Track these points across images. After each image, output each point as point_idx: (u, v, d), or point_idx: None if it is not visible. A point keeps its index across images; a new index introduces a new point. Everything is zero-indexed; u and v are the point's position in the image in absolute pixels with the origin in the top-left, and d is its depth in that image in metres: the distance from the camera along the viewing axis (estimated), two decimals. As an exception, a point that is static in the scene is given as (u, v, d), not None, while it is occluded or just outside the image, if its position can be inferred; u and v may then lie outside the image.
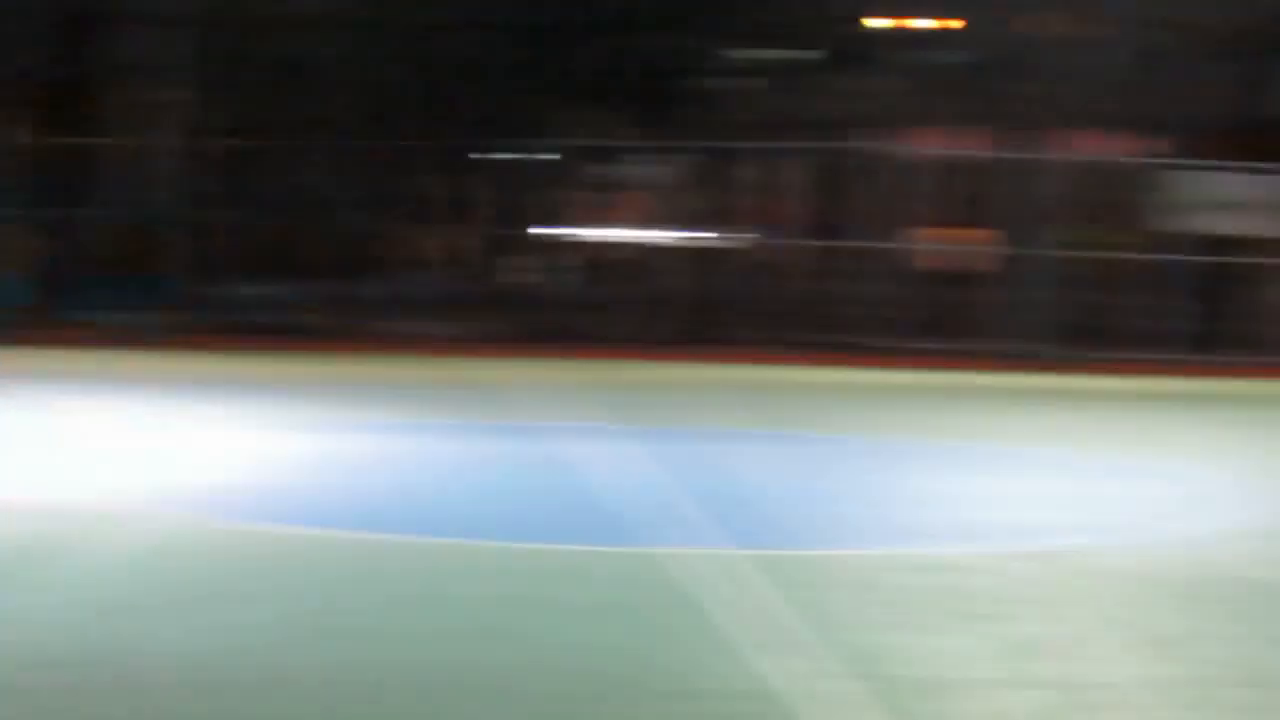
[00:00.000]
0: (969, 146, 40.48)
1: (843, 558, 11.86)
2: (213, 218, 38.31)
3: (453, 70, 39.01)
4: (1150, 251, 38.54)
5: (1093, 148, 40.29)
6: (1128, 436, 21.38)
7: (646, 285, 40.90)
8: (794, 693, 7.70)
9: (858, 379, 30.10)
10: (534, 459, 17.16)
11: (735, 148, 40.01)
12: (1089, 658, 8.75)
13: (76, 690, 7.41)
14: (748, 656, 8.40)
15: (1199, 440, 21.09)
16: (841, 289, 38.68)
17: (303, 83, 39.08)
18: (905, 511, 14.14)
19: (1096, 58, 38.67)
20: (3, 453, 16.20)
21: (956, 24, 41.63)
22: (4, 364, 26.20)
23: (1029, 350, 35.18)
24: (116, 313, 35.11)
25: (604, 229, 41.99)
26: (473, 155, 42.14)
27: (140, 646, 8.28)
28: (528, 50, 39.20)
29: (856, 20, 41.68)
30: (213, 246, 38.68)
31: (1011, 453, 19.11)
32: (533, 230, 41.84)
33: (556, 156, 42.74)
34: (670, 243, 41.57)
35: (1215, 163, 38.10)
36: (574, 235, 41.86)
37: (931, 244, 41.40)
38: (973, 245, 41.05)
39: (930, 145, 40.91)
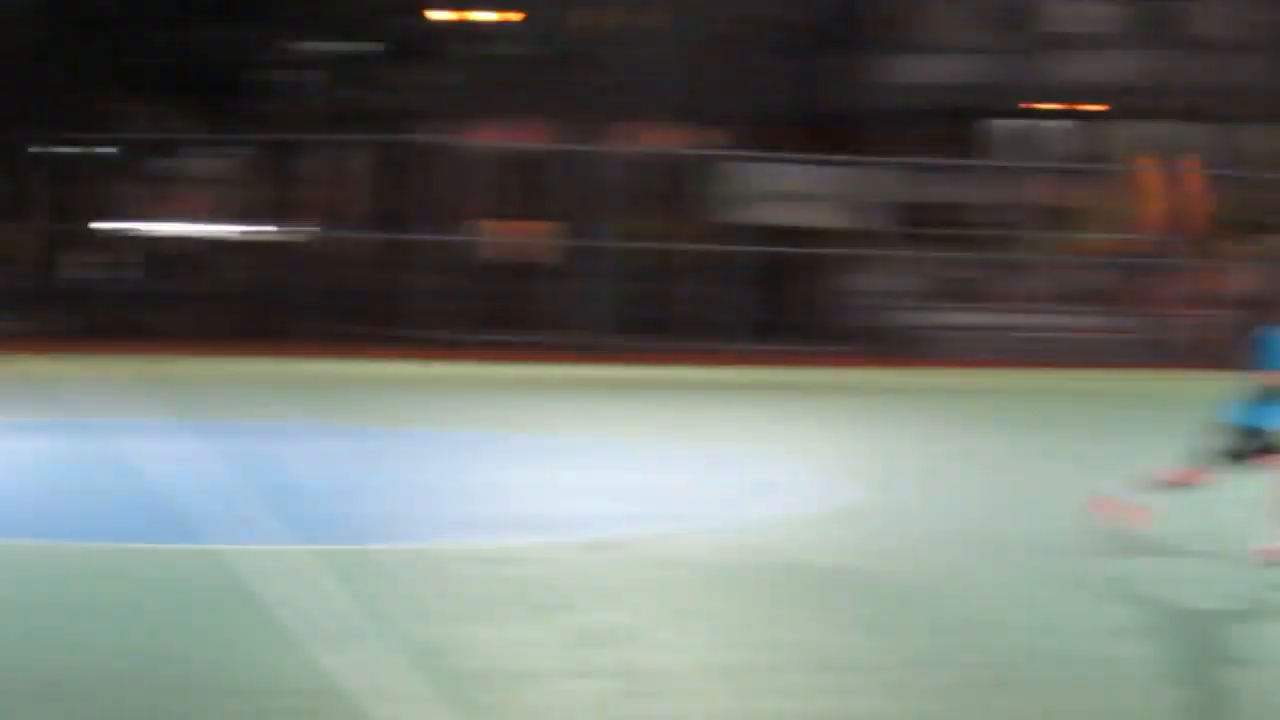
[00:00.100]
0: (530, 139, 40.78)
1: (407, 551, 11.76)
2: None
3: (6, 63, 37.40)
4: (711, 242, 39.39)
5: (653, 139, 41.02)
6: (691, 426, 21.74)
7: (207, 279, 40.06)
8: (357, 687, 7.59)
9: (422, 373, 29.97)
10: (92, 456, 16.54)
11: (297, 140, 39.47)
12: (653, 646, 8.85)
13: None
14: (311, 652, 8.26)
15: (761, 429, 21.57)
16: (406, 282, 38.53)
17: None
18: (470, 504, 14.09)
19: (656, 50, 39.40)
20: None
21: (516, 17, 41.90)
22: None
23: (592, 341, 35.59)
24: None
25: (164, 223, 40.96)
26: (30, 150, 40.60)
27: None
28: (85, 42, 37.84)
29: (418, 13, 41.56)
30: None
31: (576, 444, 19.26)
32: (92, 225, 40.55)
33: (116, 150, 41.52)
34: (231, 236, 40.81)
35: (775, 154, 39.22)
36: (134, 230, 40.72)
37: (495, 236, 41.60)
38: (535, 237, 41.41)
39: (492, 138, 41.08)
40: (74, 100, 38.16)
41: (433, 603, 9.75)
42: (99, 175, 41.57)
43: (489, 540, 12.19)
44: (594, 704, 7.59)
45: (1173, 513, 12.81)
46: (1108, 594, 10.87)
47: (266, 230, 40.22)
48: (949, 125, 41.16)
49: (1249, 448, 11.85)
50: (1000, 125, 42.78)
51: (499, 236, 41.62)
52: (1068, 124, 43.04)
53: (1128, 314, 37.99)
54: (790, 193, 38.93)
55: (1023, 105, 42.44)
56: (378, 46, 41.90)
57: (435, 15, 41.86)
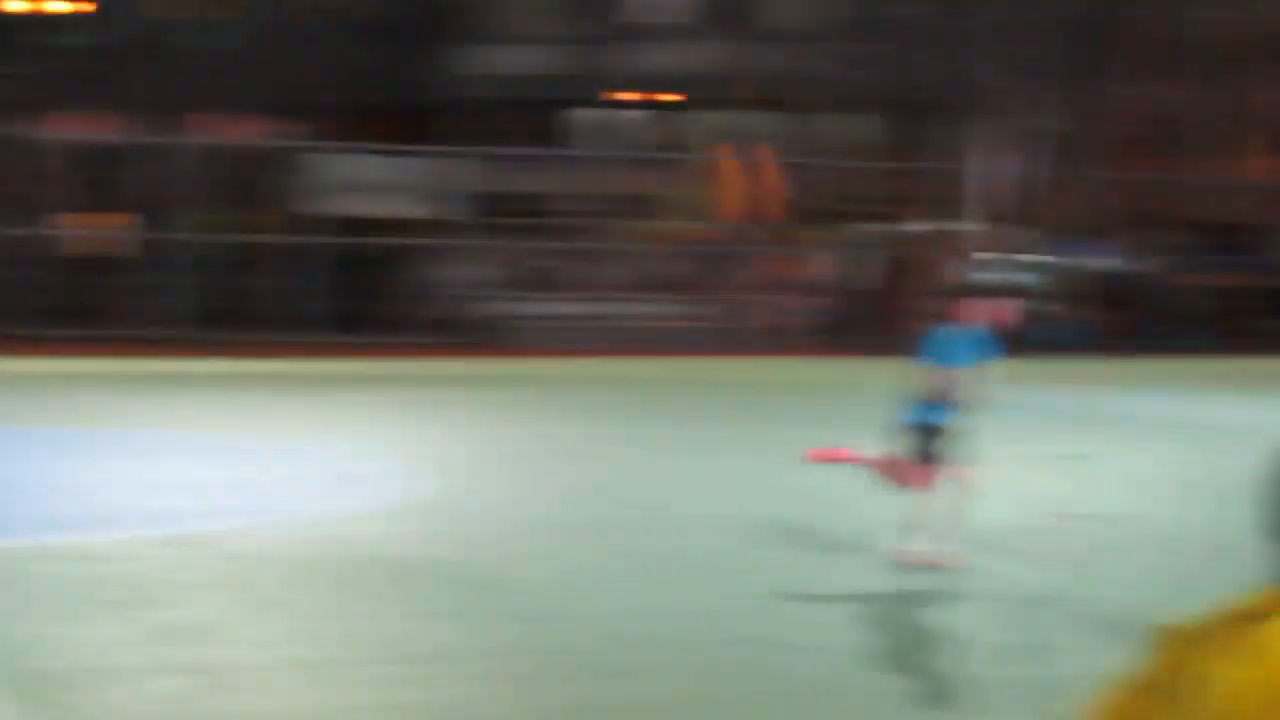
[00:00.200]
0: (104, 130, 39.72)
1: (-19, 553, 11.43)
2: None
3: None
4: (291, 234, 39.00)
5: (230, 131, 40.41)
6: (270, 419, 21.55)
7: None
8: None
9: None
10: None
11: None
12: (234, 640, 8.84)
13: None
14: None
15: (343, 422, 21.51)
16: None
17: None
18: (42, 501, 13.76)
19: (232, 40, 38.79)
20: None
21: (89, 7, 40.74)
22: None
23: (169, 334, 34.87)
24: None
25: None
26: None
27: None
28: None
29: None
30: None
31: (152, 438, 18.90)
32: None
33: None
34: None
35: (355, 145, 39.02)
36: None
37: (70, 229, 40.40)
38: (111, 230, 40.36)
39: (65, 129, 39.86)
40: None
41: (11, 602, 9.53)
42: None
43: (68, 537, 11.94)
44: (175, 700, 7.57)
45: (805, 502, 13.35)
46: (694, 578, 11.22)
47: None
48: (530, 115, 41.58)
49: (931, 447, 11.64)
50: (580, 115, 43.42)
51: (76, 229, 40.42)
52: (646, 113, 43.94)
53: (707, 302, 39.02)
54: (370, 183, 38.85)
55: (602, 95, 43.14)
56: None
57: (8, 5, 40.38)
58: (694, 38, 41.95)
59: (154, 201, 38.61)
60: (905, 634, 10.02)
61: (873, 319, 35.77)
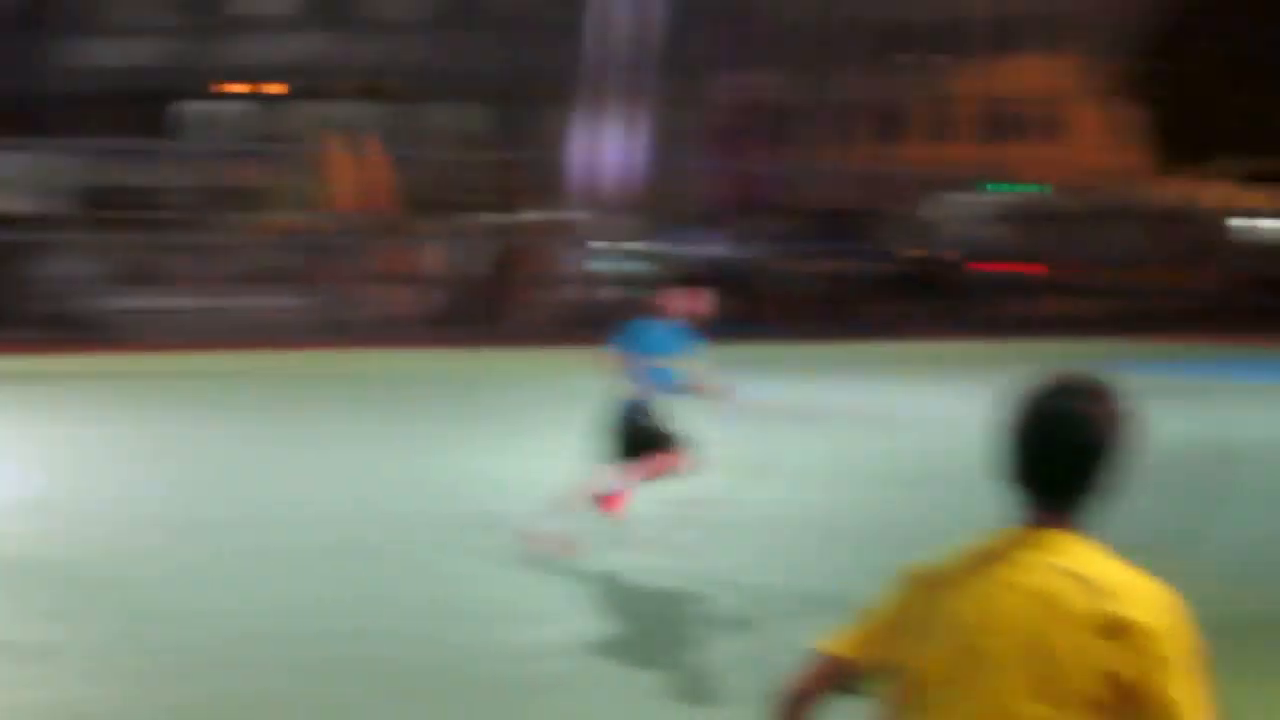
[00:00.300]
0: None
1: None
2: None
3: None
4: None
5: None
6: None
7: None
8: None
9: None
10: None
11: None
12: None
13: None
14: None
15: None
16: None
17: None
18: None
19: None
20: None
21: None
22: None
23: None
24: None
25: None
26: None
27: None
28: None
29: None
30: None
31: None
32: None
33: None
34: None
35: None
36: None
37: None
38: None
39: None
40: None
41: None
42: None
43: None
44: None
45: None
46: (307, 572, 11.32)
47: None
48: (135, 107, 40.81)
49: (643, 439, 11.70)
50: (187, 107, 42.78)
51: None
52: (252, 105, 43.51)
53: (317, 294, 38.80)
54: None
55: (208, 87, 42.59)
56: None
57: None
58: (298, 29, 41.72)
59: None
60: (521, 621, 10.17)
61: (483, 309, 36.06)
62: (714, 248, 40.70)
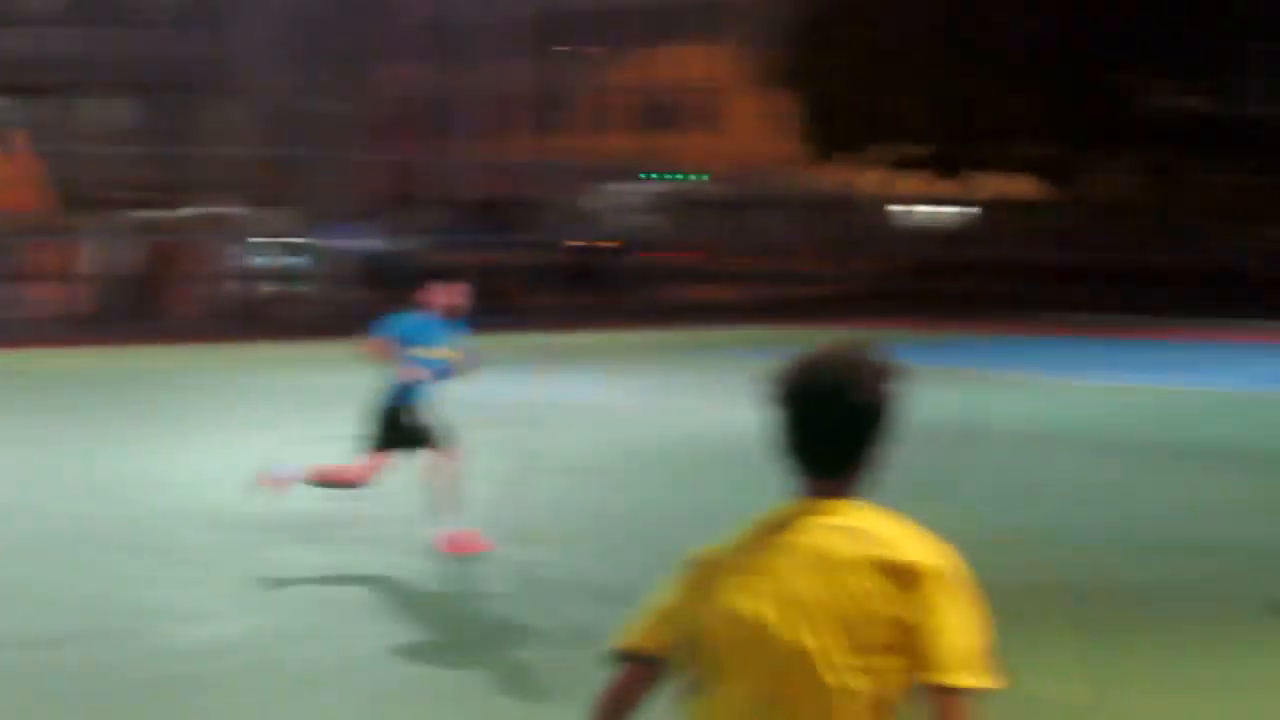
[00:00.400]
0: None
1: None
2: None
3: None
4: None
5: None
6: None
7: None
8: None
9: None
10: None
11: None
12: None
13: None
14: None
15: None
16: None
17: None
18: None
19: None
20: None
21: None
22: None
23: None
24: None
25: None
26: None
27: None
28: None
29: None
30: None
31: None
32: None
33: None
34: None
35: None
36: None
37: None
38: None
39: None
40: None
41: None
42: None
43: None
44: None
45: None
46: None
47: None
48: None
49: (407, 432, 11.73)
50: None
51: None
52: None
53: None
54: None
55: None
56: None
57: None
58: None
59: None
60: (186, 619, 10.14)
61: (138, 307, 35.56)
62: (370, 241, 40.67)
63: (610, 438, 18.29)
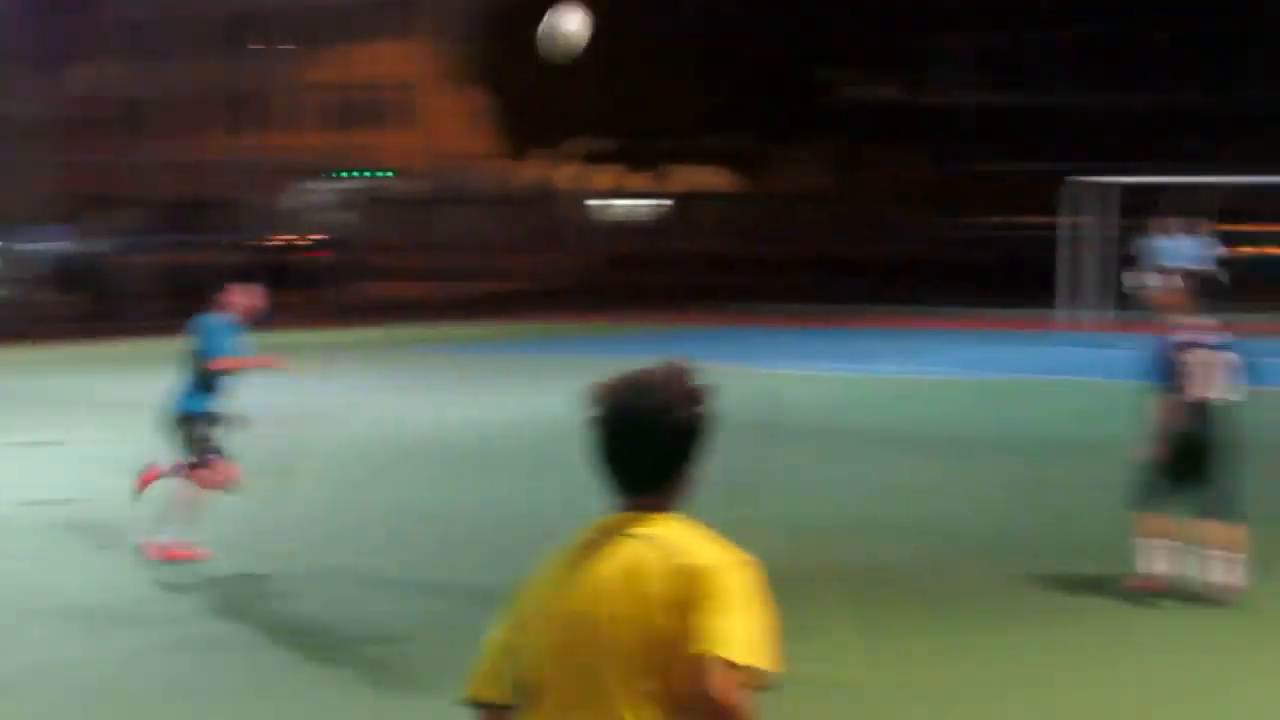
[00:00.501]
0: None
1: None
2: None
3: None
4: None
5: None
6: None
7: None
8: None
9: None
10: None
11: None
12: None
13: None
14: None
15: None
16: None
17: None
18: None
19: None
20: None
21: None
22: None
23: None
24: None
25: None
26: None
27: None
28: None
29: None
30: None
31: None
32: None
33: None
34: None
35: None
36: None
37: None
38: None
39: None
40: None
41: None
42: None
43: None
44: None
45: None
46: None
47: None
48: None
49: (199, 436, 11.55)
50: None
51: None
52: None
53: None
54: None
55: None
56: None
57: None
58: None
59: None
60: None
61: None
62: (61, 243, 39.21)
63: (307, 439, 17.74)
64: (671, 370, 3.74)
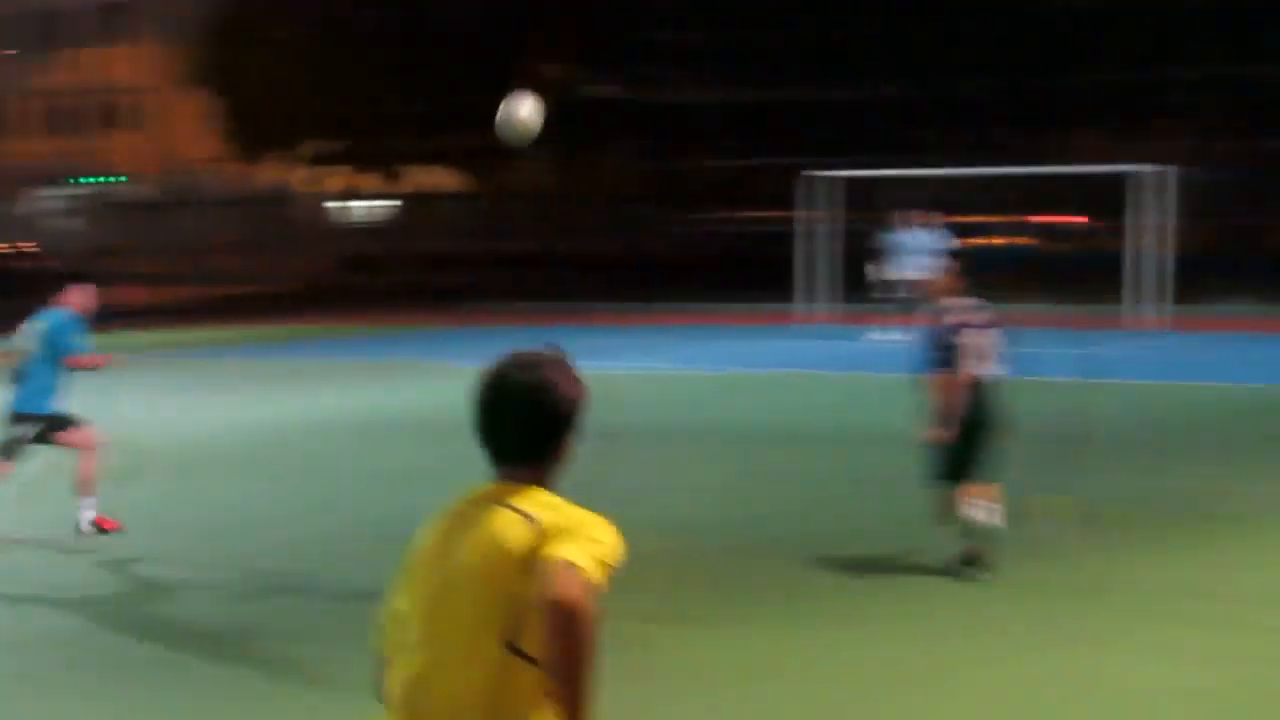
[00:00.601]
0: None
1: None
2: None
3: None
4: None
5: None
6: None
7: None
8: None
9: None
10: None
11: None
12: None
13: None
14: None
15: None
16: None
17: None
18: None
19: None
20: None
21: None
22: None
23: None
24: None
25: None
26: None
27: None
28: None
29: None
30: None
31: None
32: None
33: None
34: None
35: None
36: None
37: None
38: None
39: None
40: None
41: None
42: None
43: None
44: None
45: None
46: None
47: None
48: None
49: (28, 433, 11.67)
50: None
51: None
52: None
53: None
54: None
55: None
56: None
57: None
58: None
59: None
60: None
61: None
62: None
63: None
64: (552, 353, 3.91)
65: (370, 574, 8.48)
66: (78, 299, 11.86)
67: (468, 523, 3.78)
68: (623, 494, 13.35)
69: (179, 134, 61.39)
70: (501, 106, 9.28)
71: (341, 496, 13.68)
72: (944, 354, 10.34)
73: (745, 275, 38.99)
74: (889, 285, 26.98)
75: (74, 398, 12.09)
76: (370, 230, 57.51)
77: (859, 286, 29.11)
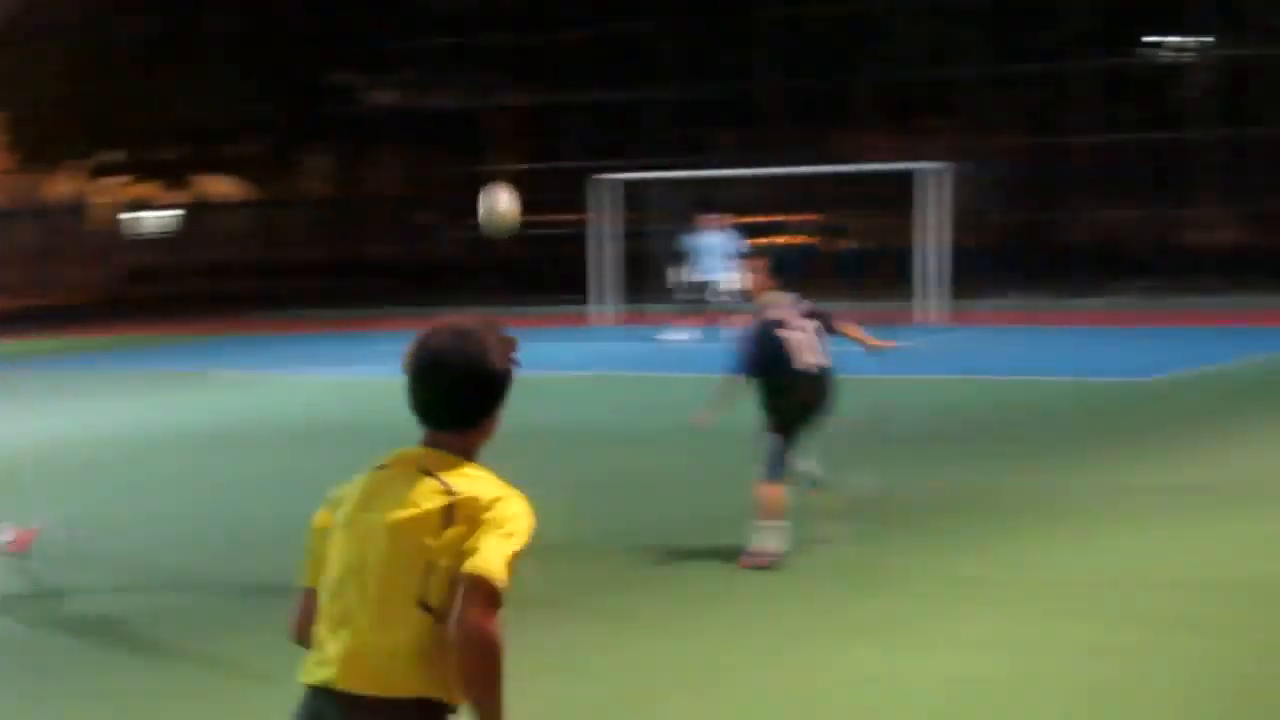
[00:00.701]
0: None
1: None
2: None
3: None
4: None
5: None
6: None
7: None
8: None
9: None
10: None
11: None
12: None
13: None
14: None
15: None
16: None
17: None
18: None
19: None
20: None
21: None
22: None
23: None
24: None
25: None
26: None
27: None
28: None
29: None
30: None
31: None
32: None
33: None
34: None
35: None
36: None
37: None
38: None
39: None
40: None
41: None
42: None
43: None
44: None
45: None
46: None
47: None
48: None
49: None
50: None
51: None
52: None
53: None
54: None
55: None
56: None
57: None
58: None
59: None
60: None
61: None
62: None
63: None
64: (486, 323, 3.94)
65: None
66: None
67: (389, 483, 3.85)
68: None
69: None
70: (481, 202, 9.62)
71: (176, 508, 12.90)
72: (769, 349, 10.26)
73: (540, 278, 38.65)
74: (693, 288, 26.92)
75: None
76: (157, 240, 56.17)
77: (644, 288, 28.99)
